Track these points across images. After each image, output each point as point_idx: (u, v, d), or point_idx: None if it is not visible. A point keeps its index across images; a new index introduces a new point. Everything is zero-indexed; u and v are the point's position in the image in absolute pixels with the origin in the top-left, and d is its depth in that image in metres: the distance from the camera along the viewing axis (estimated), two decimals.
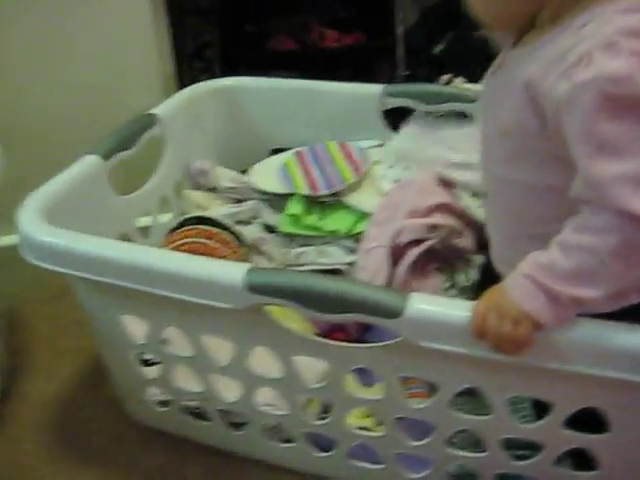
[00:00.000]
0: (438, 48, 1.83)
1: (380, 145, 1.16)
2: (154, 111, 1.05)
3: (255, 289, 0.66)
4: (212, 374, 0.81)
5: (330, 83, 1.17)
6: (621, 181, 0.52)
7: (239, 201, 1.12)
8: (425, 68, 1.70)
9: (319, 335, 0.78)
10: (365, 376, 0.85)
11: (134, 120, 1.01)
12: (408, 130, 1.11)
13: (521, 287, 0.58)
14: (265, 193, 1.10)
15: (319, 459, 0.84)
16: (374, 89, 1.14)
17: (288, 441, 0.86)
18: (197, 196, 1.10)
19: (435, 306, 0.63)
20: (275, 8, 1.66)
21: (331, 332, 0.96)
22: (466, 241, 0.98)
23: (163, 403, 0.91)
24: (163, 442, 0.95)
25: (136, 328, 0.84)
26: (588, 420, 0.68)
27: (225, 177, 1.12)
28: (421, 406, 0.73)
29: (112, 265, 0.73)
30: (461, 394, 0.71)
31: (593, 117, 0.53)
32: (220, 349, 0.80)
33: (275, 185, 1.10)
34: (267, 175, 1.12)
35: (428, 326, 0.63)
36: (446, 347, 0.63)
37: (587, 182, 0.55)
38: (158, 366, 0.86)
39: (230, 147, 1.20)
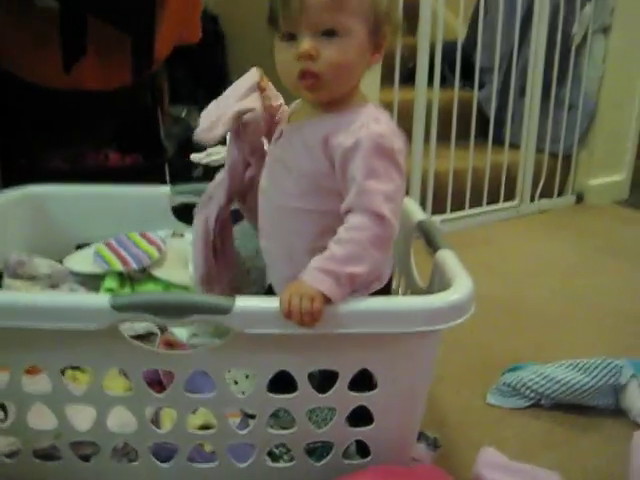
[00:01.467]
0: (196, 172, 2.18)
1: (175, 234, 1.42)
2: None
3: (119, 307, 0.86)
4: (68, 406, 0.96)
5: (125, 187, 1.42)
6: (379, 195, 0.88)
7: (54, 286, 1.28)
8: None
9: None
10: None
11: None
12: None
13: (313, 276, 0.87)
14: (83, 275, 1.28)
15: (164, 471, 1.01)
16: (164, 189, 1.41)
17: (133, 461, 1.02)
18: (17, 284, 1.24)
19: (254, 302, 0.89)
20: (48, 141, 1.86)
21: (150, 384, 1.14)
22: None
23: (10, 454, 1.01)
24: None
25: None
26: (363, 382, 0.97)
27: (43, 265, 1.28)
28: (245, 396, 0.96)
29: None
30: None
31: (368, 156, 0.89)
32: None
33: (91, 267, 1.28)
34: (82, 260, 1.31)
35: (251, 316, 0.88)
36: (265, 330, 0.88)
37: (359, 193, 0.88)
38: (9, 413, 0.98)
39: (42, 243, 1.37)
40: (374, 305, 0.91)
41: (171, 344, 1.19)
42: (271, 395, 0.96)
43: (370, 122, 0.91)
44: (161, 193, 1.41)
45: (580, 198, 2.82)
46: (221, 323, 0.88)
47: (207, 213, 1.14)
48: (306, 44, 0.88)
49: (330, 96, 0.94)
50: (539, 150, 2.66)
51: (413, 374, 0.98)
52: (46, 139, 1.78)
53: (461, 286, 0.95)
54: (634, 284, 2.03)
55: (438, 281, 1.07)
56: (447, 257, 1.06)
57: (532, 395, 1.34)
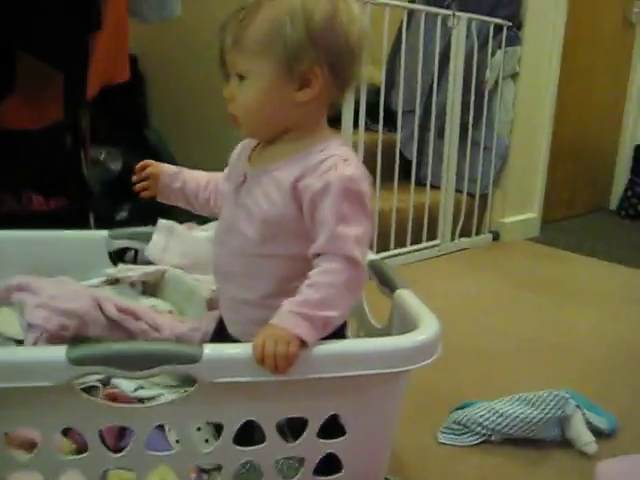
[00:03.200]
0: (121, 215, 2.10)
1: (107, 281, 1.34)
2: None
3: (76, 361, 0.79)
4: (12, 474, 0.87)
5: (59, 232, 1.33)
6: (351, 239, 0.86)
7: None
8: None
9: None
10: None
11: None
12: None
13: (289, 319, 0.84)
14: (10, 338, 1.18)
15: None
16: (100, 234, 1.34)
17: None
18: None
19: (224, 349, 0.85)
20: None
21: None
22: None
23: None
24: None
25: None
26: (332, 429, 0.94)
27: None
28: (211, 449, 0.90)
29: None
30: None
31: (338, 200, 0.86)
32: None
33: (18, 331, 1.17)
34: (9, 321, 1.20)
35: (221, 365, 0.83)
36: (236, 379, 0.83)
37: (331, 238, 0.86)
38: None
39: None
40: (347, 348, 0.89)
41: (115, 398, 1.11)
42: (238, 447, 0.90)
43: (339, 163, 0.88)
44: (96, 238, 1.34)
45: (496, 236, 2.92)
46: (188, 373, 0.83)
47: None
48: (225, 88, 0.92)
49: (256, 135, 0.97)
50: (457, 190, 2.74)
51: (383, 417, 0.96)
52: None
53: (428, 326, 0.95)
54: (551, 316, 2.11)
55: (398, 321, 1.06)
56: (406, 297, 1.06)
57: (483, 432, 1.34)
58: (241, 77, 0.90)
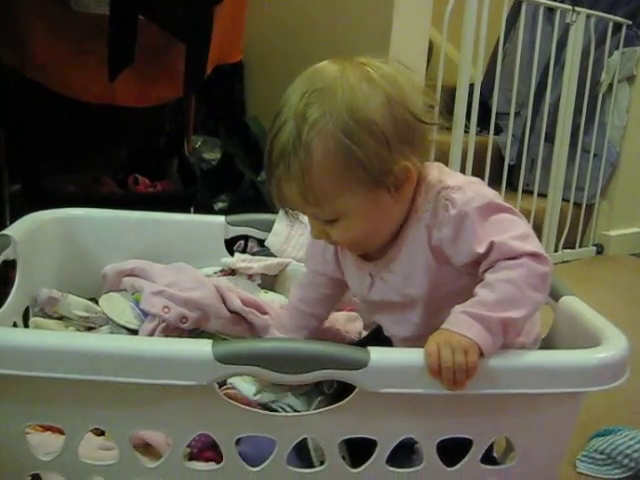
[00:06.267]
0: (219, 206, 2.01)
1: (222, 271, 1.23)
2: (7, 232, 1.00)
3: (225, 359, 0.68)
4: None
5: (171, 214, 1.23)
6: (516, 237, 0.75)
7: (91, 328, 1.08)
8: None
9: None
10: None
11: None
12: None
13: (461, 321, 0.72)
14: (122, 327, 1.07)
15: None
16: (217, 220, 1.24)
17: None
18: (49, 324, 1.04)
19: (392, 354, 0.72)
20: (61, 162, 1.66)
21: (200, 452, 0.95)
22: None
23: None
24: None
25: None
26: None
27: (78, 306, 1.07)
28: (362, 468, 0.77)
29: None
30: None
31: (480, 226, 0.75)
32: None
33: (130, 319, 1.07)
34: (120, 307, 1.10)
35: (388, 372, 0.71)
36: (404, 390, 0.71)
37: (497, 249, 0.74)
38: None
39: (73, 275, 1.16)
40: (530, 361, 0.75)
41: (233, 400, 0.99)
42: (391, 469, 0.77)
43: (450, 197, 0.77)
44: (213, 223, 1.24)
45: (600, 250, 2.72)
46: (350, 380, 0.71)
47: None
48: (313, 231, 0.83)
49: (368, 249, 0.86)
50: (563, 199, 2.55)
51: (555, 443, 0.82)
52: (61, 158, 1.59)
53: (617, 342, 0.80)
54: None
55: (564, 333, 0.92)
56: (576, 305, 0.92)
57: (631, 464, 1.17)
58: (329, 221, 0.79)
